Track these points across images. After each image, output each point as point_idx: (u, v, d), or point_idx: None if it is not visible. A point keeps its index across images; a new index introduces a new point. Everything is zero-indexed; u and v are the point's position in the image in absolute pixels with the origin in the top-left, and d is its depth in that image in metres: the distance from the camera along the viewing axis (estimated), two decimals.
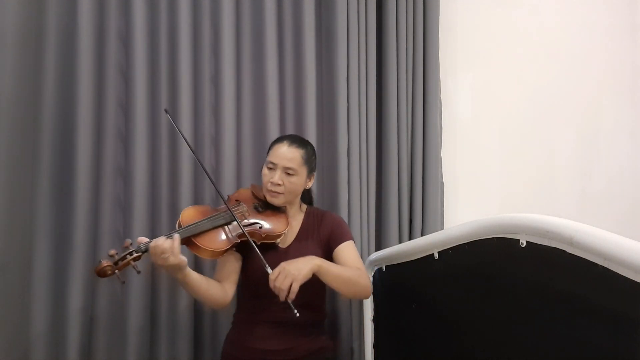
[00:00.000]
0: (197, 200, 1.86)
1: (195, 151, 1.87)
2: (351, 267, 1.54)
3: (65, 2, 1.78)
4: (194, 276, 1.42)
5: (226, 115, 1.90)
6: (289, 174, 1.56)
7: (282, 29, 2.00)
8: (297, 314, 1.34)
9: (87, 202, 1.75)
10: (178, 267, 1.35)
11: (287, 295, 1.34)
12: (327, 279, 1.45)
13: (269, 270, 1.39)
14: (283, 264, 1.38)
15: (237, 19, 1.96)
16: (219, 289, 1.50)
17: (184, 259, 1.35)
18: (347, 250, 1.59)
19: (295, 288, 1.35)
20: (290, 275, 1.36)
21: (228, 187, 1.88)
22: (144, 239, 1.38)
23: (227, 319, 1.73)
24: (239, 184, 1.91)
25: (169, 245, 1.32)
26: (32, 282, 1.71)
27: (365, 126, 2.07)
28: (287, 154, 1.57)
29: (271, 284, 1.36)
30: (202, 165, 1.64)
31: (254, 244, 1.45)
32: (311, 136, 1.97)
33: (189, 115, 1.86)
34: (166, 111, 1.65)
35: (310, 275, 1.40)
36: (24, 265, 1.74)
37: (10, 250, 1.76)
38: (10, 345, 1.75)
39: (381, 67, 2.13)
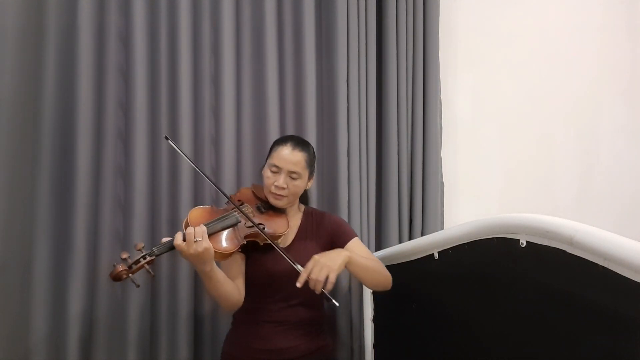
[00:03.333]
0: (197, 200, 1.86)
1: (197, 156, 1.88)
2: (372, 259, 1.60)
3: (65, 2, 1.78)
4: (219, 270, 1.43)
5: (226, 115, 1.90)
6: (293, 178, 1.56)
7: (282, 29, 2.00)
8: (337, 304, 1.38)
9: (87, 202, 1.75)
10: (209, 254, 1.35)
11: (324, 286, 1.37)
12: (355, 270, 1.51)
13: (299, 267, 1.41)
14: (315, 257, 1.41)
15: (237, 19, 1.96)
16: (235, 287, 1.50)
17: (211, 246, 1.35)
18: (356, 247, 1.62)
19: (333, 279, 1.38)
20: (325, 266, 1.38)
21: (228, 187, 1.88)
22: (167, 239, 1.39)
23: (227, 319, 1.73)
24: (239, 184, 1.91)
25: (199, 230, 1.34)
26: (32, 282, 1.71)
27: (365, 126, 2.06)
28: (291, 157, 1.56)
29: (302, 277, 1.37)
30: (207, 176, 1.62)
31: (272, 242, 1.47)
32: (311, 136, 1.97)
33: (189, 115, 1.86)
34: (167, 138, 1.56)
35: (343, 266, 1.45)
36: (24, 265, 1.74)
37: (10, 250, 1.76)
38: (10, 346, 1.75)
39: (381, 67, 2.13)
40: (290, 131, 1.97)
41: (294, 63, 2.00)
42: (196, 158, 1.88)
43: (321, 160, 2.02)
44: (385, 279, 1.59)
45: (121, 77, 1.84)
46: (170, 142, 1.53)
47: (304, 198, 1.76)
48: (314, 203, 1.92)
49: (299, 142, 1.62)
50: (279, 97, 1.98)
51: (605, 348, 0.94)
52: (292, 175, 1.56)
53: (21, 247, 1.75)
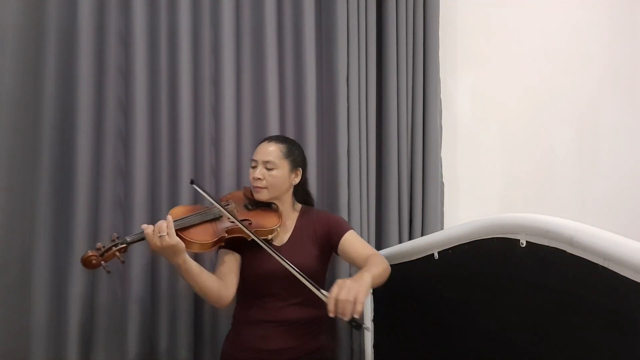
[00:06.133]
0: (196, 200, 1.86)
1: (197, 156, 1.89)
2: (372, 257, 1.53)
3: (65, 2, 1.78)
4: (193, 264, 1.42)
5: (226, 115, 1.90)
6: (268, 168, 1.59)
7: (282, 29, 2.00)
8: (368, 328, 1.31)
9: (87, 202, 1.75)
10: (176, 249, 1.35)
11: (354, 310, 1.29)
12: (375, 283, 1.44)
13: (324, 292, 1.37)
14: (339, 282, 1.34)
15: (237, 19, 1.96)
16: (219, 282, 1.49)
17: (180, 241, 1.36)
18: (352, 238, 1.61)
19: (362, 299, 1.29)
20: (353, 287, 1.30)
21: (228, 187, 1.88)
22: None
23: (227, 319, 1.73)
24: (239, 183, 1.91)
25: (163, 225, 1.34)
26: (32, 282, 1.71)
27: (365, 126, 2.06)
28: (265, 148, 1.61)
29: (330, 304, 1.29)
30: (231, 213, 1.54)
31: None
32: (311, 136, 1.97)
33: (189, 115, 1.86)
34: (192, 182, 1.55)
35: (370, 289, 1.39)
36: (24, 265, 1.74)
37: (10, 250, 1.77)
38: (10, 345, 1.75)
39: (381, 67, 2.13)
40: (290, 131, 1.97)
41: (294, 63, 2.00)
42: (196, 158, 1.89)
43: (321, 160, 2.02)
44: (387, 270, 1.53)
45: (121, 77, 1.84)
46: (195, 186, 1.52)
47: (301, 197, 1.75)
48: (314, 204, 1.92)
49: (277, 137, 1.68)
50: (279, 97, 1.98)
51: (606, 348, 0.94)
52: (267, 165, 1.59)
53: (21, 246, 1.76)
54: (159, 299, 1.80)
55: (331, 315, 1.30)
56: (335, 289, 1.31)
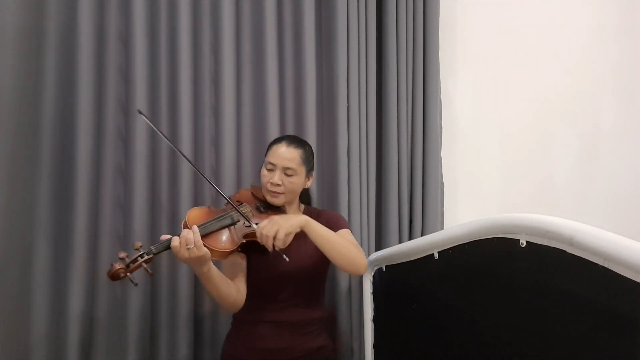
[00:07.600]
0: (197, 200, 1.86)
1: (197, 156, 1.88)
2: (347, 240, 1.55)
3: (65, 2, 1.78)
4: (216, 271, 1.43)
5: (226, 115, 1.90)
6: (288, 174, 1.57)
7: (282, 29, 2.00)
8: (288, 259, 1.39)
9: (87, 202, 1.75)
10: (203, 259, 1.35)
11: (274, 244, 1.38)
12: (315, 238, 1.47)
13: (254, 225, 1.43)
14: (271, 216, 1.43)
15: (237, 19, 1.96)
16: (235, 288, 1.50)
17: (207, 250, 1.36)
18: (343, 235, 1.59)
19: (281, 235, 1.38)
20: (276, 223, 1.39)
21: (228, 187, 1.88)
22: (166, 236, 1.40)
23: (227, 319, 1.73)
24: (239, 184, 1.91)
25: (190, 237, 1.34)
26: (32, 282, 1.71)
27: (365, 126, 2.07)
28: (286, 154, 1.57)
29: (258, 233, 1.40)
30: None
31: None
32: (311, 136, 1.97)
33: (189, 115, 1.87)
34: (139, 112, 1.62)
35: (298, 228, 1.43)
36: (24, 265, 1.74)
37: (10, 250, 1.76)
38: (11, 346, 1.75)
39: (381, 67, 2.13)
40: (290, 131, 1.97)
41: (294, 63, 2.00)
42: (196, 158, 1.89)
43: (321, 160, 2.02)
44: (354, 258, 1.51)
45: (121, 77, 1.84)
46: (143, 117, 1.56)
47: (305, 198, 1.76)
48: (314, 203, 1.92)
49: (294, 140, 1.64)
50: (279, 97, 1.98)
51: (605, 348, 0.94)
52: (287, 171, 1.57)
53: (21, 247, 1.76)
54: (159, 300, 1.80)
55: (260, 242, 1.41)
56: (263, 222, 1.42)
